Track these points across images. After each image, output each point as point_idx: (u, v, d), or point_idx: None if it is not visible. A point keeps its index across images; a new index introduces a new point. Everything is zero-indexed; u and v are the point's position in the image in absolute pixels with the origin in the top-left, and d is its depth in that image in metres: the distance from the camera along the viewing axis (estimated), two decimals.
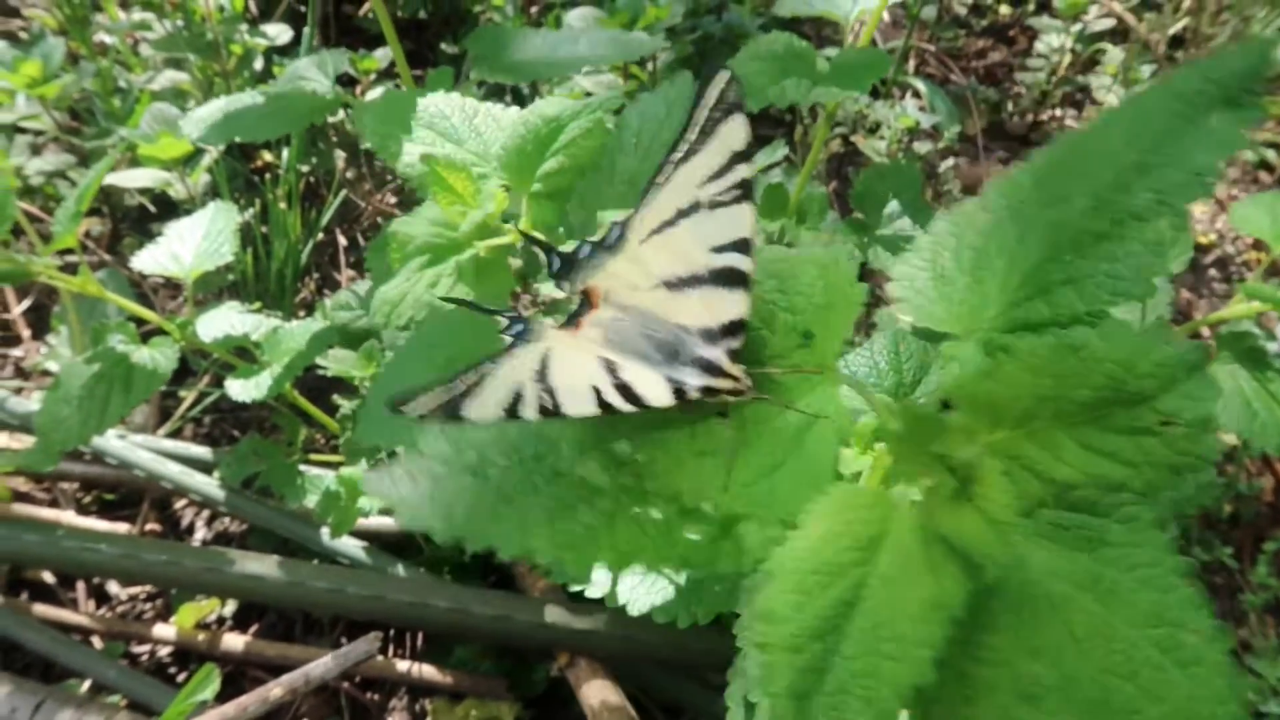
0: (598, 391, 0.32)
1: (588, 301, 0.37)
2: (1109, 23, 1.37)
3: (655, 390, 0.33)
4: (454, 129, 0.57)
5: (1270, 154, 1.28)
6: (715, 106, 0.35)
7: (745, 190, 0.35)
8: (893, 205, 0.72)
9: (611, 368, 0.34)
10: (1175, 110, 0.32)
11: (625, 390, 0.33)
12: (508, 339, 0.36)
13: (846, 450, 0.34)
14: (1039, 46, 1.38)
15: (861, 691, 0.26)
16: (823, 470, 0.32)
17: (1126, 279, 0.30)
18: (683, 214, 0.35)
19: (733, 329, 0.34)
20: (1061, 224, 0.33)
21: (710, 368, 0.33)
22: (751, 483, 0.32)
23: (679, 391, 0.33)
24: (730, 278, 0.34)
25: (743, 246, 0.34)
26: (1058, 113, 1.40)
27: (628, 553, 0.32)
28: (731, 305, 0.34)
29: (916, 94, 1.35)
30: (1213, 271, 1.20)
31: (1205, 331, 1.06)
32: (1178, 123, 0.32)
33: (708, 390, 0.33)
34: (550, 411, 0.32)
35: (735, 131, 0.34)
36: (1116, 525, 0.29)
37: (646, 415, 0.34)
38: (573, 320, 0.37)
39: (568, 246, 0.39)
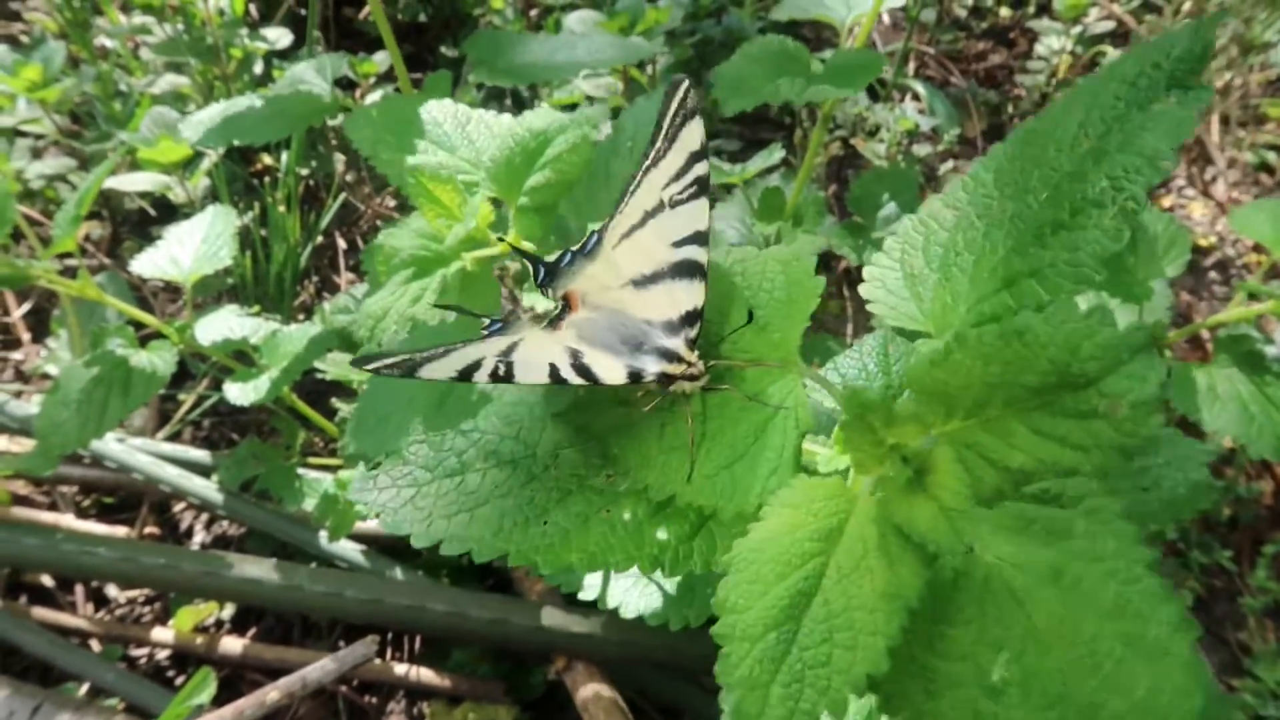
0: (554, 368, 0.34)
1: (568, 305, 0.39)
2: (1109, 25, 1.37)
3: (611, 372, 0.34)
4: (446, 136, 0.57)
5: (1270, 156, 1.28)
6: (675, 113, 0.37)
7: (702, 186, 0.37)
8: (889, 208, 0.72)
9: (575, 355, 0.35)
10: (1125, 95, 0.32)
11: (582, 370, 0.34)
12: (484, 331, 0.38)
13: (825, 450, 0.35)
14: (1039, 49, 1.38)
15: (816, 680, 0.26)
16: (784, 461, 0.32)
17: (1088, 266, 0.30)
18: (649, 215, 0.38)
19: (690, 318, 0.35)
20: (1023, 215, 0.33)
21: (669, 355, 0.35)
22: (713, 474, 0.33)
23: (635, 375, 0.34)
24: (688, 269, 0.36)
25: (699, 239, 0.36)
26: None
27: (598, 553, 0.32)
28: (689, 295, 0.36)
29: (916, 97, 1.35)
30: (1213, 274, 1.20)
31: (1205, 334, 1.06)
32: (1128, 108, 0.32)
33: (664, 375, 0.34)
34: (501, 378, 0.33)
35: (693, 134, 0.37)
36: (1081, 518, 0.29)
37: (620, 416, 0.35)
38: (553, 323, 0.38)
39: (552, 256, 0.41)
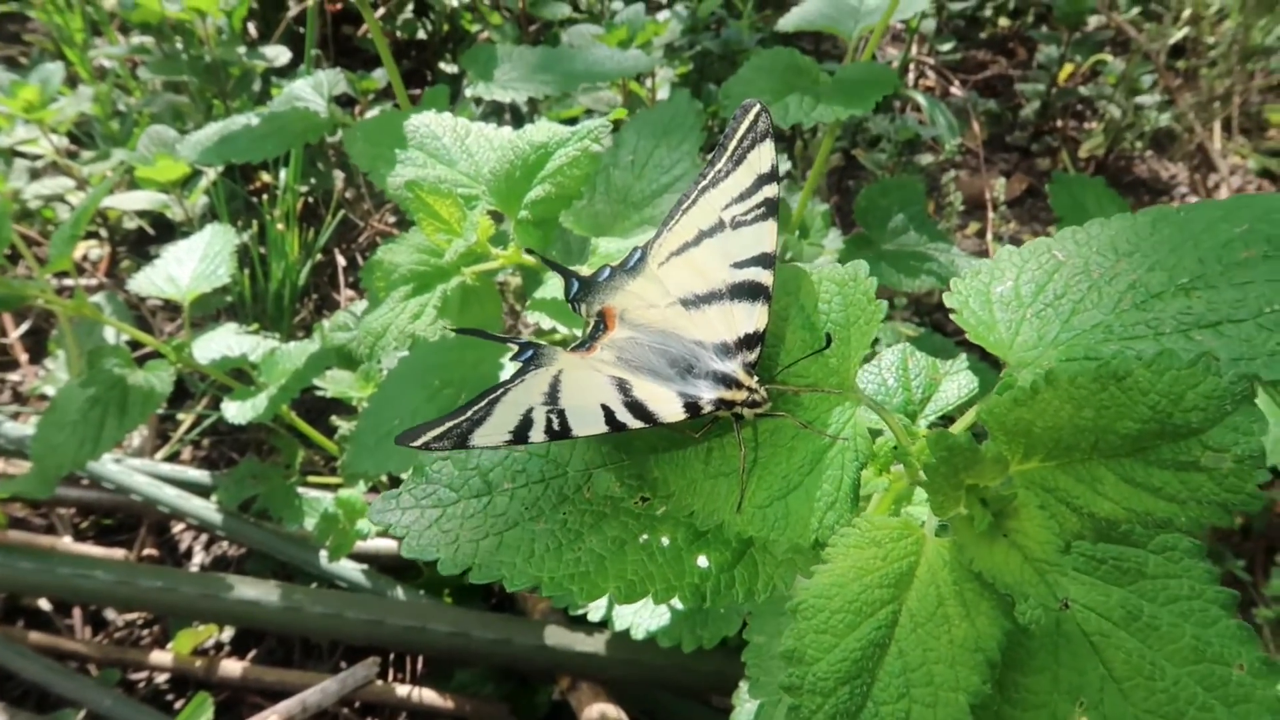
0: (608, 411, 0.32)
1: (603, 323, 0.37)
2: (1109, 34, 1.37)
3: (667, 406, 0.32)
4: (445, 149, 0.56)
5: (1272, 162, 1.27)
6: (745, 135, 0.36)
7: (770, 208, 0.36)
8: (897, 219, 0.71)
9: (623, 386, 0.33)
10: None
11: (636, 408, 0.32)
12: (518, 365, 0.36)
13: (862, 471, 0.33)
14: (1039, 58, 1.37)
15: None
16: (841, 495, 0.31)
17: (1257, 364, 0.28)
18: (704, 234, 0.37)
19: (749, 341, 0.34)
20: (1148, 286, 0.32)
21: (726, 380, 0.33)
22: (766, 504, 0.31)
23: (692, 406, 0.32)
24: (750, 291, 0.35)
25: (764, 260, 0.35)
26: (1059, 124, 1.39)
27: (637, 582, 0.31)
28: (749, 318, 0.34)
29: (916, 107, 1.35)
30: None
31: None
32: None
33: (722, 403, 0.32)
34: (558, 433, 0.31)
35: (763, 156, 0.36)
36: (1154, 556, 0.27)
37: (660, 435, 0.33)
38: (588, 342, 0.37)
39: (586, 270, 0.39)
